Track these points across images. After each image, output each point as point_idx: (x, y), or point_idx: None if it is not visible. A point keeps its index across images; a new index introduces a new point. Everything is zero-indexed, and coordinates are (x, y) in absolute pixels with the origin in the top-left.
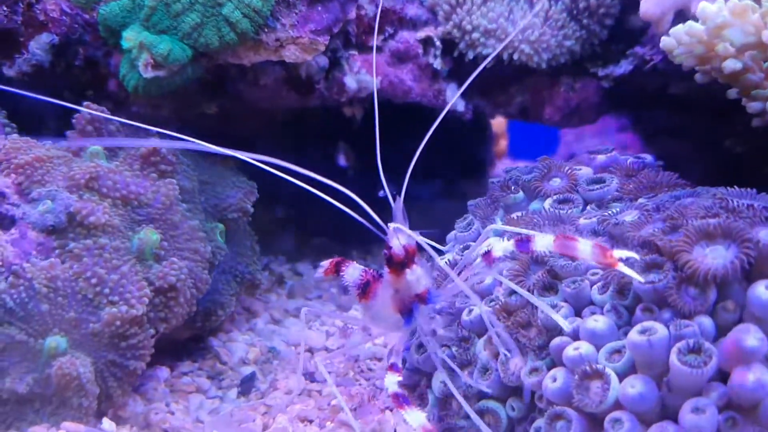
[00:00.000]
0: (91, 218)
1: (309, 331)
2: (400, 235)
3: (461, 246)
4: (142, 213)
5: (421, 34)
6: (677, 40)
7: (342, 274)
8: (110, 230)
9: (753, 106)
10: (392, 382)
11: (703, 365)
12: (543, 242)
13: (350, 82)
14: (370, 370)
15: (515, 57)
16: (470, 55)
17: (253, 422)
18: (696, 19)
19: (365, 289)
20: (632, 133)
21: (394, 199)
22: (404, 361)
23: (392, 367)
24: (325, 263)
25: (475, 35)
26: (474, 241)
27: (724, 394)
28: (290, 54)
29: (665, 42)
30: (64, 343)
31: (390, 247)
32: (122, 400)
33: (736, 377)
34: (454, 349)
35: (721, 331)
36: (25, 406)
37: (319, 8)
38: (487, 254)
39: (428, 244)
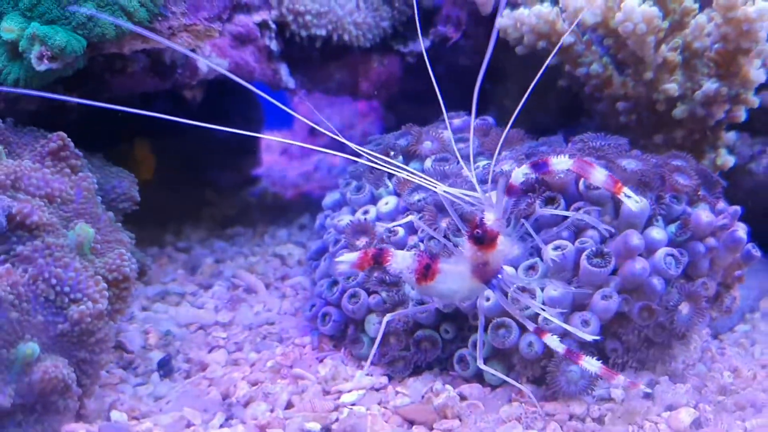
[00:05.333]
0: (33, 218)
1: (198, 310)
2: (493, 211)
3: (357, 208)
4: (67, 209)
5: (257, 17)
6: (520, 21)
7: (388, 264)
8: (50, 229)
9: (579, 71)
10: (555, 341)
11: (607, 264)
12: (561, 163)
13: (202, 65)
14: (271, 333)
15: (346, 38)
16: (303, 34)
17: (207, 395)
18: (514, 4)
19: (427, 272)
20: (372, 102)
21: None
22: (326, 315)
23: (540, 330)
24: (350, 257)
25: (308, 17)
26: (369, 204)
27: (619, 283)
28: (182, 41)
29: (501, 23)
30: (38, 348)
31: (482, 224)
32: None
33: (626, 268)
34: (384, 294)
35: (602, 239)
36: (7, 420)
37: None
38: (510, 187)
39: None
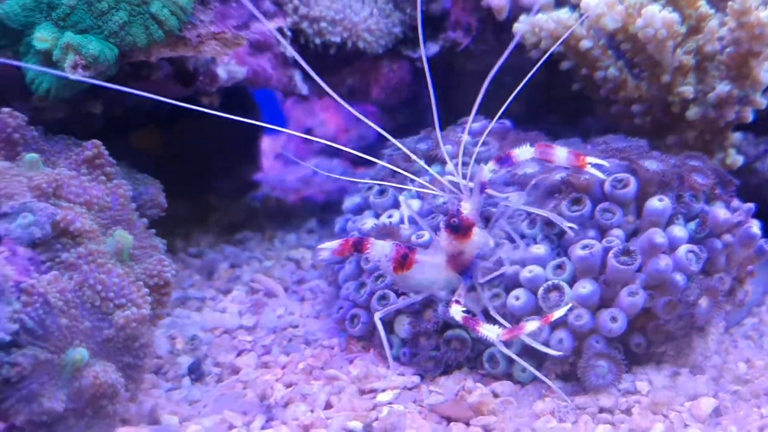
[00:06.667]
0: (77, 224)
1: (222, 314)
2: (469, 201)
3: (381, 211)
4: (105, 216)
5: (273, 25)
6: (538, 26)
7: (367, 252)
8: (92, 236)
9: (597, 75)
10: (458, 311)
11: (634, 262)
12: (524, 153)
13: (222, 72)
14: (296, 336)
15: (360, 44)
16: (318, 41)
17: (244, 398)
18: (527, 10)
19: (404, 261)
20: (369, 105)
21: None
22: (354, 317)
23: (456, 302)
24: (331, 245)
25: (323, 24)
26: (392, 207)
27: (644, 280)
28: (210, 49)
29: (518, 27)
30: (87, 353)
31: (459, 213)
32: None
33: (651, 265)
34: (412, 294)
35: (627, 238)
36: (58, 425)
37: (234, 4)
38: (482, 186)
39: None
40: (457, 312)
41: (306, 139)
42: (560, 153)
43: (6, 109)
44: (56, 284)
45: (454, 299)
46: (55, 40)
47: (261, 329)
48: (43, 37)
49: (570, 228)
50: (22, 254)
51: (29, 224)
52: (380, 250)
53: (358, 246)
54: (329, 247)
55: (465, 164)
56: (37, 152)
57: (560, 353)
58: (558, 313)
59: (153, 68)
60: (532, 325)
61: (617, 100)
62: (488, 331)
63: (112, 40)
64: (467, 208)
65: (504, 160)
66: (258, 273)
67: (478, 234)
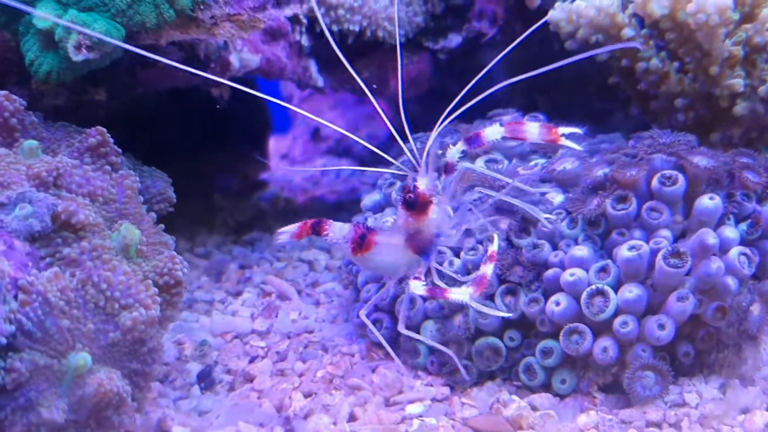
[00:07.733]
0: (80, 217)
1: (233, 318)
2: (426, 177)
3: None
4: (110, 209)
5: (288, 11)
6: (576, 14)
7: (325, 234)
8: (96, 229)
9: (639, 66)
10: (419, 285)
11: (684, 264)
12: (493, 132)
13: (235, 60)
14: (312, 342)
15: (380, 33)
16: (335, 29)
17: (260, 408)
18: None
19: (362, 242)
20: (382, 102)
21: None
22: (377, 322)
23: (415, 278)
24: (290, 228)
25: (341, 11)
26: None
27: (693, 285)
28: (224, 32)
29: (553, 15)
30: (90, 358)
31: (415, 189)
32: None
33: (702, 268)
34: (441, 300)
35: (674, 239)
36: None
37: None
38: (447, 165)
39: None
40: (418, 287)
41: (313, 139)
42: (531, 129)
43: (3, 92)
44: (57, 282)
45: (413, 277)
46: (61, 18)
47: (275, 334)
48: (44, 14)
49: (548, 219)
50: (20, 248)
51: (27, 216)
52: (338, 231)
53: (317, 228)
54: (288, 230)
55: (495, 161)
56: (37, 139)
57: (510, 314)
58: (493, 247)
59: (161, 53)
60: (488, 267)
61: (658, 95)
62: (459, 294)
63: (119, 19)
64: (424, 184)
65: (473, 140)
66: (269, 275)
67: (436, 212)
